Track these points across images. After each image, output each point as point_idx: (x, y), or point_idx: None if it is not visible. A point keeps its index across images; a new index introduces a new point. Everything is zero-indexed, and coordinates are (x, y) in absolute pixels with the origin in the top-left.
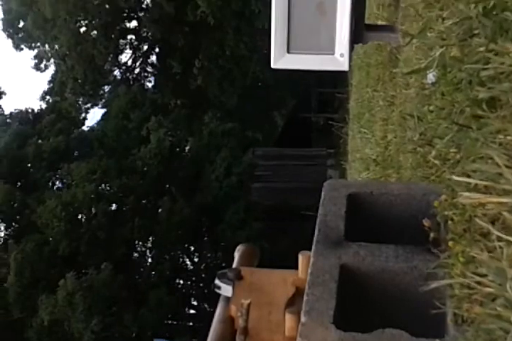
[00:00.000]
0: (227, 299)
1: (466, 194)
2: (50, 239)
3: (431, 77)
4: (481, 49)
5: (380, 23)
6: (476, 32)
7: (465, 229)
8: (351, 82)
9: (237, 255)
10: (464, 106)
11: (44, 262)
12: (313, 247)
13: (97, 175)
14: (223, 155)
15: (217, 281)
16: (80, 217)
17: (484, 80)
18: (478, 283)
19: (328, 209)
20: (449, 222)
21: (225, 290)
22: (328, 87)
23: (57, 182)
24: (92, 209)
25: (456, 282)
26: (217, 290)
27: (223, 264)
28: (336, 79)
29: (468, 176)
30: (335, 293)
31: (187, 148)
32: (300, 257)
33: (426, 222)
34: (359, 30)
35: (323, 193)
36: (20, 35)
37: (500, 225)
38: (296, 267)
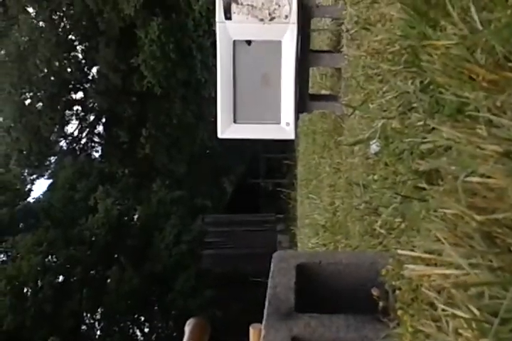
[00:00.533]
0: None
1: (411, 266)
2: None
3: (374, 147)
4: (420, 123)
5: (323, 92)
6: (414, 106)
7: (412, 298)
8: (298, 148)
9: (187, 329)
10: (406, 177)
11: None
12: (264, 320)
13: (43, 247)
14: (173, 223)
15: None
16: (25, 290)
17: (424, 153)
18: None
19: (277, 281)
20: (397, 291)
21: None
22: (276, 152)
23: (1, 256)
24: (38, 281)
25: None
26: None
27: (174, 334)
28: (283, 146)
29: (413, 247)
30: None
31: (135, 216)
32: (251, 330)
33: (374, 291)
34: (304, 100)
35: (272, 265)
36: None
37: (446, 295)
38: (247, 339)
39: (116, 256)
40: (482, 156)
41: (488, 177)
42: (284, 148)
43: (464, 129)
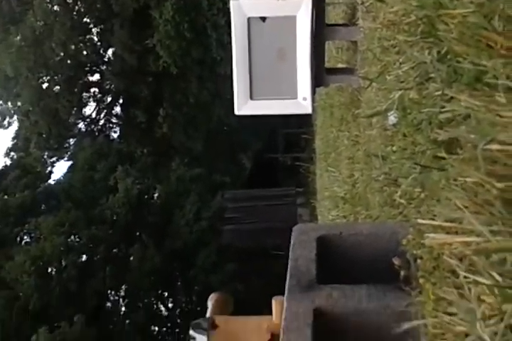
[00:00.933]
0: None
1: (432, 235)
2: (21, 294)
3: (392, 118)
4: (438, 93)
5: (340, 66)
6: (431, 76)
7: (434, 266)
8: (316, 122)
9: (210, 304)
10: (425, 147)
11: (15, 318)
12: (286, 292)
13: (65, 228)
14: (192, 200)
15: (191, 332)
16: (49, 270)
17: (443, 122)
18: (450, 321)
19: (298, 254)
20: (418, 259)
21: (200, 340)
22: (294, 127)
23: (25, 237)
24: (62, 261)
25: (428, 321)
26: None
27: (198, 308)
28: (300, 120)
29: (434, 216)
30: (310, 337)
31: (155, 195)
32: (273, 302)
33: (396, 261)
34: (320, 74)
35: (292, 238)
36: None
37: (468, 263)
38: (270, 312)
39: (137, 234)
40: (501, 123)
41: (508, 144)
42: (301, 122)
43: (483, 97)
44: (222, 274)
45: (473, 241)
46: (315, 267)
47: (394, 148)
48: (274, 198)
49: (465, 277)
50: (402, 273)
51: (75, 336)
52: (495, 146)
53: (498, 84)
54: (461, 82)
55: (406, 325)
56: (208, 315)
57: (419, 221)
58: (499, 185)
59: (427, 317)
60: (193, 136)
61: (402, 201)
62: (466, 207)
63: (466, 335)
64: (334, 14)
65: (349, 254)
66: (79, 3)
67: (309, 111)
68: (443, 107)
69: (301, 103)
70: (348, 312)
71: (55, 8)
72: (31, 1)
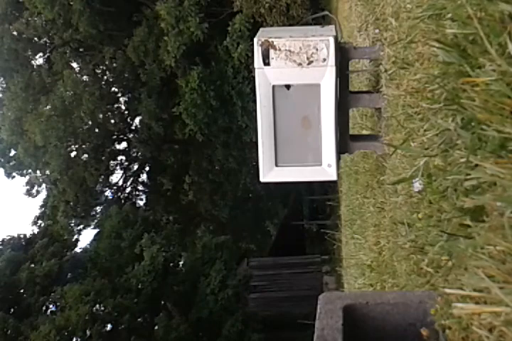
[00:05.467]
0: None
1: (460, 305)
2: None
3: (417, 185)
4: (462, 160)
5: (364, 132)
6: (456, 143)
7: (463, 337)
8: (341, 189)
9: None
10: (451, 214)
11: None
12: None
13: (90, 296)
14: (218, 268)
15: None
16: (74, 340)
17: (468, 189)
18: None
19: (324, 323)
20: (447, 330)
21: None
22: (319, 194)
23: (50, 306)
24: (87, 331)
25: None
26: None
27: None
28: (325, 187)
29: (462, 285)
30: None
31: (181, 262)
32: None
33: (424, 331)
34: (344, 141)
35: (318, 306)
36: (11, 164)
37: (498, 334)
38: None
39: (163, 302)
40: None
41: None
42: (326, 189)
43: (508, 165)
44: None
45: (502, 311)
46: (341, 337)
47: (420, 216)
48: (299, 266)
49: None
50: None
51: None
52: None
53: None
54: (486, 149)
55: None
56: None
57: (447, 290)
58: None
59: None
60: (219, 203)
61: (429, 269)
62: (493, 277)
63: None
64: (358, 82)
65: (376, 324)
66: (107, 73)
67: (334, 177)
68: (468, 174)
69: (325, 170)
70: None
71: (84, 78)
72: (61, 71)
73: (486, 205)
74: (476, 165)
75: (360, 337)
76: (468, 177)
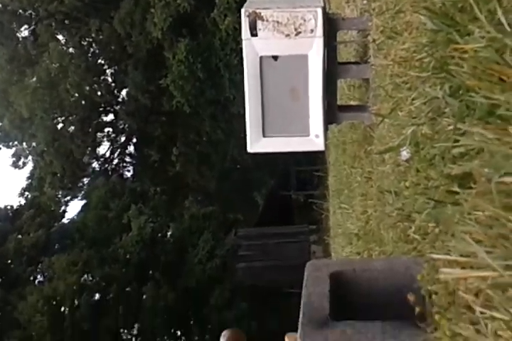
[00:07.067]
0: None
1: (446, 270)
2: (33, 333)
3: (404, 154)
4: (450, 127)
5: (352, 103)
6: (444, 111)
7: (449, 302)
8: (328, 159)
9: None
10: (438, 182)
11: None
12: (299, 329)
13: (78, 267)
14: (205, 238)
15: None
16: (62, 309)
17: (456, 157)
18: None
19: (311, 290)
20: (433, 295)
21: None
22: (306, 164)
23: (38, 276)
24: (75, 300)
25: None
26: None
27: None
28: (313, 157)
29: (448, 251)
30: None
31: (169, 233)
32: (286, 339)
33: (410, 296)
34: (332, 111)
35: (305, 274)
36: None
37: (483, 298)
38: None
39: (150, 272)
40: None
41: None
42: (314, 159)
43: (496, 131)
44: (236, 312)
45: (488, 275)
46: (328, 303)
47: (407, 184)
48: (287, 236)
49: (481, 312)
50: (417, 309)
51: None
52: (510, 179)
53: (510, 117)
54: (474, 116)
55: None
56: None
57: (434, 256)
58: None
59: None
60: (207, 174)
61: (416, 236)
62: (480, 242)
63: None
64: (346, 52)
65: (363, 290)
66: (94, 45)
67: (322, 148)
68: (456, 142)
69: (313, 140)
70: None
71: (70, 50)
72: (47, 43)
73: (473, 172)
74: (464, 133)
75: (347, 303)
76: (456, 144)
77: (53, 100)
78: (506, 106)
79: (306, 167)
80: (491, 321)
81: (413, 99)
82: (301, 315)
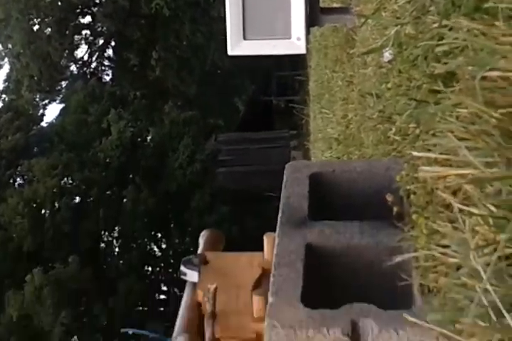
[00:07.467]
0: (194, 285)
1: (426, 168)
2: (14, 235)
3: (387, 55)
4: (435, 25)
5: (335, 5)
6: (429, 9)
7: (427, 201)
8: (310, 64)
9: (201, 241)
10: (420, 82)
11: (9, 259)
12: (278, 228)
13: (58, 170)
14: (186, 143)
15: (182, 268)
16: (43, 212)
17: (439, 56)
18: (443, 254)
19: (291, 191)
20: (412, 195)
21: (191, 276)
22: (287, 70)
23: (18, 179)
24: (55, 203)
25: (420, 254)
26: (183, 277)
27: (191, 249)
28: (294, 62)
29: (429, 150)
30: (301, 272)
31: (149, 138)
32: (265, 239)
33: (389, 197)
34: (314, 13)
35: (285, 175)
36: None
37: (462, 196)
38: (262, 249)
39: (131, 176)
40: (501, 51)
41: (509, 71)
42: (295, 64)
43: (482, 25)
44: (216, 216)
45: (468, 173)
46: (307, 204)
47: (389, 85)
48: (267, 141)
49: (459, 210)
50: (395, 209)
51: (69, 276)
52: (494, 73)
53: (497, 12)
54: (460, 12)
55: (397, 259)
56: (199, 251)
57: (413, 153)
58: (497, 113)
59: (419, 250)
60: (187, 79)
61: (397, 138)
62: (462, 139)
63: (458, 268)
64: None
65: (342, 191)
66: None
67: (303, 51)
68: (440, 39)
69: (294, 43)
70: (340, 248)
71: None
72: None
73: (457, 70)
74: (450, 30)
75: (327, 204)
76: (440, 42)
77: (29, 0)
78: (493, 0)
79: (287, 72)
80: (468, 218)
81: None
82: (280, 215)
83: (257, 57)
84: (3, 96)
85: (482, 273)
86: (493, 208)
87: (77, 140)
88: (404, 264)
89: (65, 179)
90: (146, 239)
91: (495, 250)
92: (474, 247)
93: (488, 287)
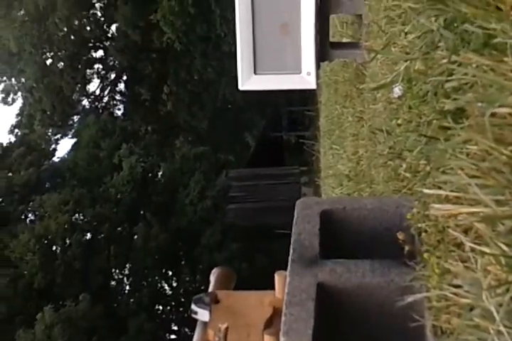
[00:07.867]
0: (205, 324)
1: (437, 205)
2: (25, 272)
3: (397, 90)
4: (444, 61)
5: (345, 40)
6: (438, 45)
7: (439, 240)
8: (320, 99)
9: (212, 278)
10: (430, 118)
11: (20, 296)
12: (289, 266)
13: (69, 206)
14: (196, 179)
15: (193, 306)
16: (54, 248)
17: (449, 91)
18: (455, 294)
19: (301, 228)
20: (423, 233)
21: (202, 314)
22: (298, 105)
23: (29, 215)
24: (67, 239)
25: (433, 294)
26: (194, 316)
27: (202, 287)
28: (304, 98)
29: (439, 188)
30: (313, 311)
31: (160, 173)
32: (276, 277)
33: (400, 235)
34: (324, 49)
35: (296, 212)
36: None
37: (473, 235)
38: (273, 287)
39: (142, 212)
40: (510, 88)
41: None
42: (305, 100)
43: (491, 62)
44: (226, 253)
45: (479, 211)
46: (318, 241)
47: (399, 121)
48: (278, 177)
49: (471, 249)
50: (407, 247)
51: (80, 314)
52: (504, 110)
53: (506, 48)
54: (469, 48)
55: (409, 299)
56: (210, 289)
57: (424, 191)
58: (507, 150)
59: (431, 290)
60: (198, 114)
61: (407, 175)
62: (472, 177)
63: (471, 308)
64: None
65: (353, 229)
66: None
67: (313, 86)
68: (449, 75)
69: (305, 78)
70: (351, 287)
71: None
72: None
73: (466, 107)
74: (459, 65)
75: (337, 242)
76: (450, 78)
77: (42, 35)
78: (502, 37)
79: (298, 107)
80: (480, 257)
81: (407, 33)
82: (290, 253)
83: (268, 92)
84: (16, 130)
85: (495, 313)
86: (505, 247)
87: (88, 175)
88: (416, 304)
89: (76, 215)
90: (156, 277)
91: (507, 290)
92: (487, 287)
93: (502, 328)
